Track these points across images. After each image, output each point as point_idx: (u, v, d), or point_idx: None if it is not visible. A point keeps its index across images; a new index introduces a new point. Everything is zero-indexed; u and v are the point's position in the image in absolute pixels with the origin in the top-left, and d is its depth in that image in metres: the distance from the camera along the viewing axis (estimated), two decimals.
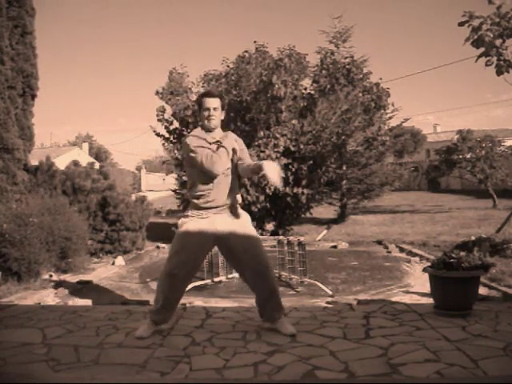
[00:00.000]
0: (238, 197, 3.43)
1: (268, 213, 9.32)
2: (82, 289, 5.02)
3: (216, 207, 3.26)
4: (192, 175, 3.35)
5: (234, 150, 3.28)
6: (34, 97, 7.13)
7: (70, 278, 5.46)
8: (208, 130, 3.34)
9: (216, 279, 5.22)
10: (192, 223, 3.25)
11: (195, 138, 3.28)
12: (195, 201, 3.29)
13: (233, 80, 9.57)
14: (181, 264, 3.19)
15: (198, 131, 3.40)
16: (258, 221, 9.21)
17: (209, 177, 3.22)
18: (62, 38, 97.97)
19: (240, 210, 3.39)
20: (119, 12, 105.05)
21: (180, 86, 10.41)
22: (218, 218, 3.26)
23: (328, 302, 4.28)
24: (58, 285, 5.07)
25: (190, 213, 3.31)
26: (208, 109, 3.31)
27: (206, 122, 3.33)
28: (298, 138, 9.26)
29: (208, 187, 3.24)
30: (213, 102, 3.33)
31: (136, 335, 3.20)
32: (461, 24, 4.90)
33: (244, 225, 3.33)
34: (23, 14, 6.89)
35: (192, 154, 3.22)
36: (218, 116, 3.36)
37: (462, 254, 3.67)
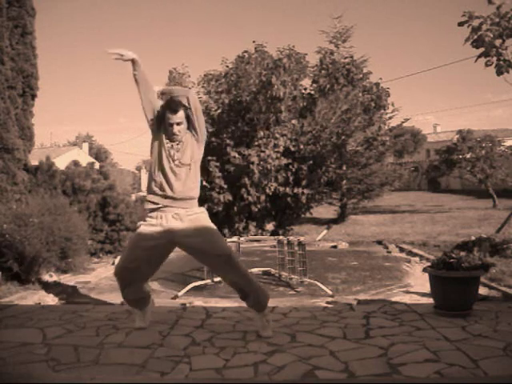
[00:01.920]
0: (197, 191, 3.20)
1: (268, 213, 9.33)
2: (82, 289, 5.02)
3: (173, 198, 3.08)
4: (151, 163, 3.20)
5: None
6: (34, 97, 7.13)
7: (70, 278, 5.46)
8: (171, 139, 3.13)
9: (216, 279, 5.21)
10: (146, 226, 3.11)
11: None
12: (150, 195, 3.13)
13: (232, 80, 9.58)
14: (131, 262, 3.12)
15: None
16: (258, 221, 9.23)
17: (160, 168, 3.09)
18: (62, 38, 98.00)
19: (195, 207, 3.19)
20: (119, 12, 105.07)
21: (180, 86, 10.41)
22: (170, 216, 3.06)
23: (328, 302, 4.28)
24: (58, 285, 5.07)
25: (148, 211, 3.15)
26: (171, 124, 3.06)
27: (170, 135, 3.10)
28: (298, 138, 9.27)
29: (160, 179, 3.09)
30: (176, 118, 3.04)
31: (135, 326, 3.30)
32: (461, 24, 4.90)
33: (199, 220, 3.14)
34: (23, 14, 6.88)
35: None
36: (182, 130, 3.10)
37: (462, 253, 3.68)
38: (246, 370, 2.61)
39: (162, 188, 3.09)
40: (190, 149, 3.14)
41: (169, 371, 2.61)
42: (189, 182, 3.13)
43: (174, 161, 3.09)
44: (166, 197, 3.09)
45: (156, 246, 3.09)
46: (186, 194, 3.11)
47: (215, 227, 3.24)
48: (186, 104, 3.06)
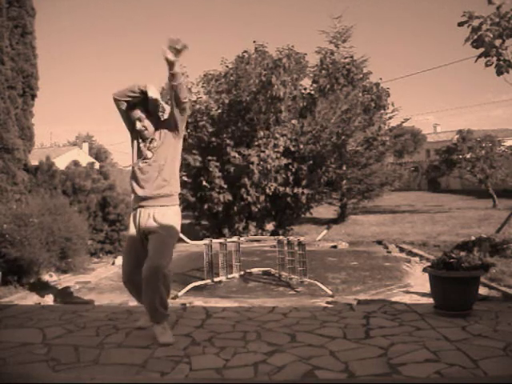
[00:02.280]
0: (173, 189, 3.18)
1: (268, 213, 9.33)
2: (82, 289, 5.02)
3: (144, 197, 3.11)
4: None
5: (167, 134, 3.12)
6: (33, 97, 7.13)
7: (70, 278, 5.46)
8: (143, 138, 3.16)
9: (216, 279, 5.22)
10: (130, 227, 3.24)
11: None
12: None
13: (232, 80, 9.58)
14: (127, 265, 3.24)
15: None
16: (258, 221, 9.23)
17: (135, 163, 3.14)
18: (62, 38, 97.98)
19: (169, 207, 3.16)
20: (119, 12, 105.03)
21: None
22: (143, 210, 3.12)
23: (328, 302, 4.29)
24: (58, 285, 5.08)
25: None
26: (133, 122, 3.11)
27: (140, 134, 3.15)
28: (298, 138, 9.27)
29: (136, 175, 3.13)
30: (136, 113, 3.08)
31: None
32: (461, 24, 4.90)
33: (165, 218, 3.11)
34: (23, 14, 6.89)
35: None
36: (147, 125, 3.11)
37: (462, 253, 3.68)
38: (246, 370, 2.61)
39: (134, 188, 3.15)
40: (167, 148, 3.11)
41: (169, 371, 2.61)
42: (159, 180, 3.10)
43: (145, 160, 3.12)
44: (138, 197, 3.14)
45: (135, 242, 3.18)
46: (157, 193, 3.10)
47: (175, 231, 3.15)
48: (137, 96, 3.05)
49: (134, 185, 3.14)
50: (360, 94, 11.13)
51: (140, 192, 3.11)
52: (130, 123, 3.18)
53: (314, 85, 11.33)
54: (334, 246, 7.82)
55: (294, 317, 3.61)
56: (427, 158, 28.41)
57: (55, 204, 5.82)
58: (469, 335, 3.07)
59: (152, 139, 3.12)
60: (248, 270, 5.66)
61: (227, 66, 9.81)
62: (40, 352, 2.90)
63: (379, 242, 8.09)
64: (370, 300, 4.29)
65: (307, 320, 3.51)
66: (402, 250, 7.26)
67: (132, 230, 3.20)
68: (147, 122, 3.11)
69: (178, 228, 3.19)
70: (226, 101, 9.49)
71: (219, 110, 9.58)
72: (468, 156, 14.82)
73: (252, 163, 8.66)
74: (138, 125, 3.10)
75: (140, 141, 3.16)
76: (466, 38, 4.95)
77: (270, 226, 9.41)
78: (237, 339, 3.11)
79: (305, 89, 10.95)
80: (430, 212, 13.76)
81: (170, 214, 3.12)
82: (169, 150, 3.12)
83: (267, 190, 8.74)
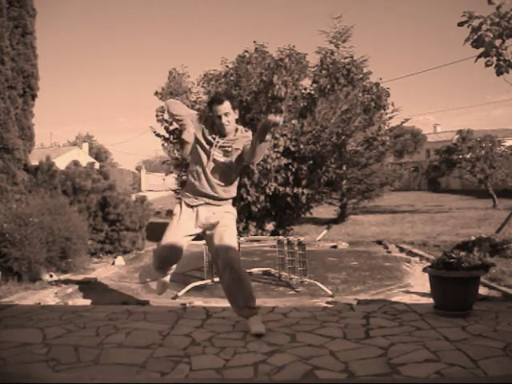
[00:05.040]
0: (233, 193, 3.53)
1: (268, 213, 9.32)
2: (82, 289, 5.02)
3: (204, 195, 3.40)
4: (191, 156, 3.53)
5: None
6: (34, 97, 7.13)
7: (70, 277, 5.46)
8: (222, 134, 3.38)
9: (216, 279, 5.20)
10: (180, 208, 3.49)
11: (205, 131, 3.40)
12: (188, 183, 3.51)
13: (232, 80, 9.57)
14: (169, 244, 3.44)
15: (209, 127, 3.41)
16: (258, 221, 9.22)
17: (200, 164, 3.39)
18: (62, 38, 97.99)
19: (229, 206, 3.53)
20: (119, 12, 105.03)
21: (180, 87, 10.40)
22: (204, 207, 3.43)
23: (328, 302, 4.28)
24: (58, 285, 5.08)
25: (181, 195, 3.58)
26: (219, 116, 3.31)
27: (221, 129, 3.36)
28: (298, 138, 9.25)
29: (198, 174, 3.40)
30: (222, 108, 3.29)
31: (157, 290, 3.95)
32: (460, 24, 4.91)
33: (226, 218, 3.45)
34: (24, 15, 6.89)
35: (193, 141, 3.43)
36: (231, 120, 3.35)
37: (462, 254, 3.67)
38: (245, 370, 2.61)
39: None
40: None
41: (169, 371, 2.61)
42: None
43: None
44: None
45: (187, 228, 3.54)
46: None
47: (235, 233, 3.54)
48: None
49: (204, 181, 3.43)
50: (360, 94, 11.11)
51: (210, 191, 3.45)
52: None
53: (314, 85, 11.32)
54: (334, 246, 7.82)
55: (293, 317, 3.61)
56: (427, 158, 28.41)
57: (55, 204, 5.82)
58: (469, 335, 3.07)
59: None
60: (248, 270, 5.64)
61: (227, 66, 9.80)
62: (40, 352, 2.90)
63: (379, 242, 8.09)
64: (370, 300, 4.29)
65: (307, 320, 3.52)
66: (401, 250, 7.26)
67: (184, 221, 3.48)
68: (231, 117, 3.36)
69: None
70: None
71: None
72: (468, 156, 14.82)
73: (252, 163, 8.65)
74: (224, 119, 3.31)
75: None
76: (465, 38, 4.96)
77: (270, 226, 9.40)
78: (237, 339, 3.11)
79: (305, 89, 10.94)
80: (430, 212, 13.77)
81: (232, 216, 3.62)
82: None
83: (267, 190, 8.73)
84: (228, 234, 3.38)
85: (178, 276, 5.50)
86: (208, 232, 3.47)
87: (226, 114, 3.30)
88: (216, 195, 3.41)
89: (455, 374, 2.49)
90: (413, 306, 3.89)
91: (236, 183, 3.52)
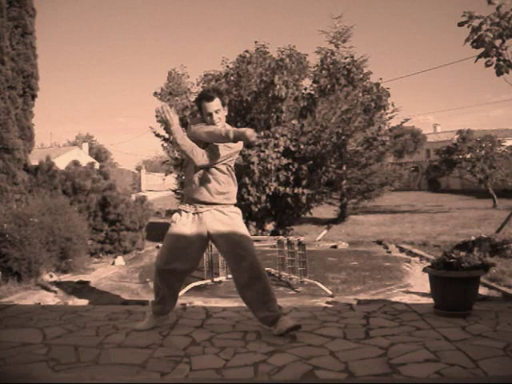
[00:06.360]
0: (234, 194, 3.36)
1: (268, 213, 9.32)
2: (82, 289, 5.02)
3: (204, 202, 3.23)
4: (187, 165, 3.40)
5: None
6: (34, 97, 7.13)
7: (70, 277, 5.46)
8: None
9: (216, 279, 5.22)
10: (182, 220, 3.26)
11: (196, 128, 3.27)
12: (185, 193, 3.35)
13: (232, 80, 9.57)
14: (170, 260, 3.24)
15: (199, 124, 3.30)
16: (259, 221, 9.22)
17: (196, 168, 3.23)
18: (62, 38, 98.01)
19: (232, 207, 3.35)
20: (119, 12, 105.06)
21: (179, 87, 10.40)
22: (207, 214, 3.23)
23: (328, 302, 4.28)
24: (58, 285, 5.07)
25: (182, 206, 3.34)
26: (210, 114, 3.21)
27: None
28: (298, 138, 9.25)
29: (195, 179, 3.24)
30: (213, 106, 3.20)
31: (136, 328, 3.30)
32: (461, 24, 4.91)
33: (233, 221, 3.28)
34: (24, 15, 6.88)
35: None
36: (221, 117, 3.27)
37: (462, 253, 3.67)
38: (245, 370, 2.61)
39: None
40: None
41: (169, 371, 2.61)
42: None
43: None
44: None
45: (194, 240, 3.36)
46: None
47: (247, 233, 3.43)
48: None
49: (202, 185, 3.29)
50: (360, 94, 11.12)
51: (208, 196, 3.29)
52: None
53: (315, 85, 11.32)
54: (334, 246, 7.82)
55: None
56: (427, 158, 28.43)
57: (55, 204, 5.82)
58: (469, 335, 3.07)
59: None
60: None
61: (228, 66, 9.80)
62: (40, 352, 2.90)
63: (379, 242, 8.09)
64: (370, 300, 4.29)
65: (307, 320, 3.52)
66: (402, 250, 7.26)
67: (188, 233, 3.29)
68: (222, 114, 3.26)
69: None
70: (227, 100, 9.47)
71: None
72: (468, 156, 14.83)
73: (252, 163, 8.65)
74: (215, 116, 3.22)
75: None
76: (466, 38, 4.96)
77: (270, 226, 9.40)
78: (237, 339, 3.11)
79: (305, 89, 10.94)
80: (430, 212, 13.77)
81: (238, 217, 3.45)
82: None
83: (267, 190, 8.73)
84: (244, 239, 3.29)
85: None
86: (217, 237, 3.30)
87: (216, 112, 3.21)
88: (213, 199, 3.27)
89: (455, 374, 2.49)
90: (413, 305, 3.89)
91: (231, 181, 3.35)
